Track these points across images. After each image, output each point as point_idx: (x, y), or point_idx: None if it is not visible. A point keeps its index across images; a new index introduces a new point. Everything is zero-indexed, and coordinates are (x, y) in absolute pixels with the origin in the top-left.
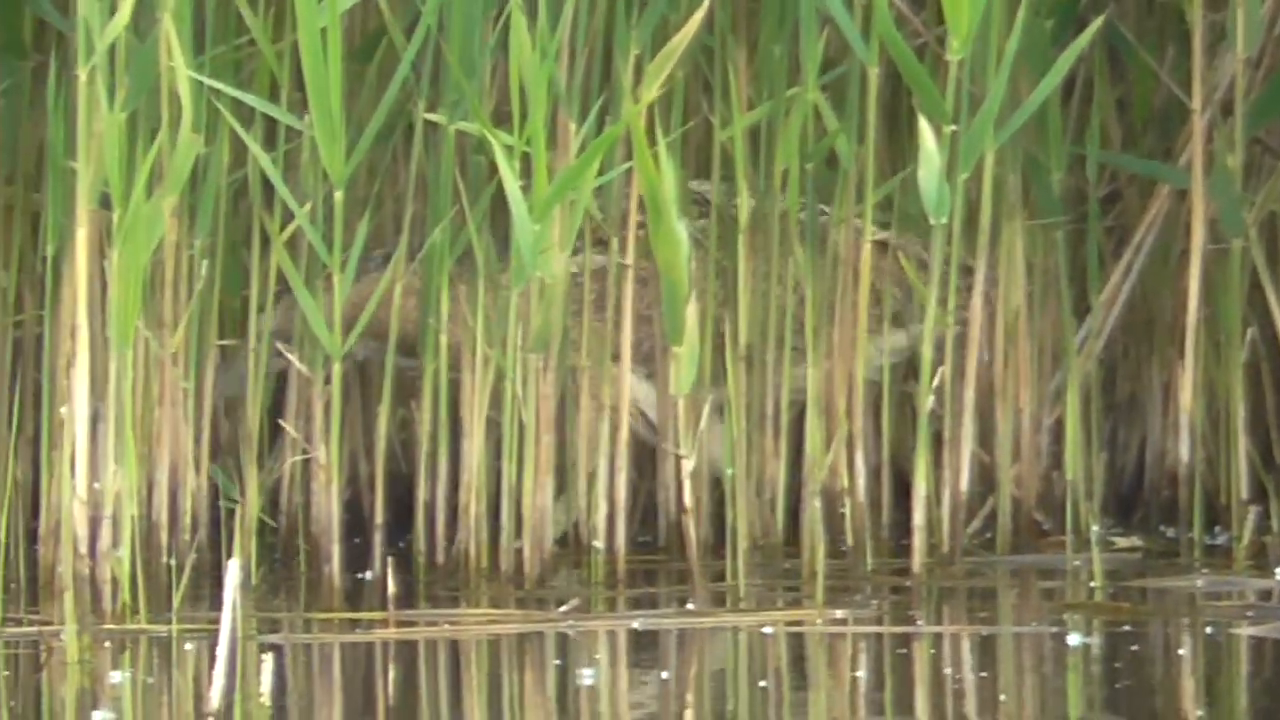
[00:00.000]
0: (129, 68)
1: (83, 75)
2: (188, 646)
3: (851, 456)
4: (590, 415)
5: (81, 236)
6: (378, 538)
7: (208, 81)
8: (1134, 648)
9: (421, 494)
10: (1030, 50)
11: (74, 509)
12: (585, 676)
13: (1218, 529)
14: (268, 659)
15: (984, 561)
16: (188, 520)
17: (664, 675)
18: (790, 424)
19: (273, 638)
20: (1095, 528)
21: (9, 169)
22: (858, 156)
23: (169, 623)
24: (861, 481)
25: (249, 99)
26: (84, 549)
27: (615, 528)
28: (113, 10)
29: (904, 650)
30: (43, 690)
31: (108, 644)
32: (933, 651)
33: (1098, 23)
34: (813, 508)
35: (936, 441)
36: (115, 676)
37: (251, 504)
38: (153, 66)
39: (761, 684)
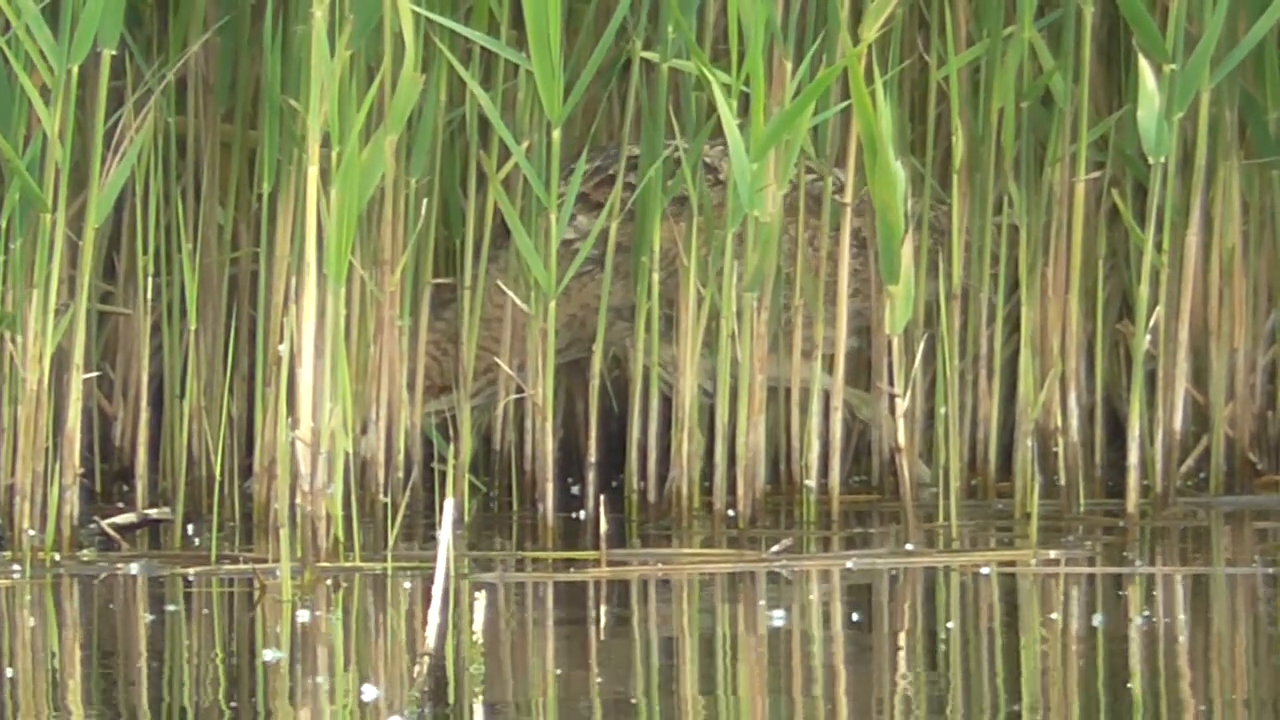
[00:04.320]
0: (353, 6)
1: (318, 12)
2: (405, 585)
3: (1065, 396)
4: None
5: (313, 174)
6: (591, 477)
7: (431, 16)
8: None
9: (634, 433)
10: None
11: (292, 446)
12: (776, 618)
13: None
14: (481, 597)
15: (1198, 502)
16: (401, 458)
17: (855, 618)
18: (1004, 363)
19: (486, 576)
20: None
21: (226, 107)
22: (1073, 95)
23: (383, 561)
24: (1075, 421)
25: (470, 33)
26: (306, 486)
27: (829, 467)
28: None
29: (1118, 591)
30: (256, 627)
31: (329, 581)
32: (1146, 592)
33: None
34: (1025, 447)
35: (1150, 381)
36: (303, 615)
37: (465, 443)
38: (377, 4)
39: (973, 624)
